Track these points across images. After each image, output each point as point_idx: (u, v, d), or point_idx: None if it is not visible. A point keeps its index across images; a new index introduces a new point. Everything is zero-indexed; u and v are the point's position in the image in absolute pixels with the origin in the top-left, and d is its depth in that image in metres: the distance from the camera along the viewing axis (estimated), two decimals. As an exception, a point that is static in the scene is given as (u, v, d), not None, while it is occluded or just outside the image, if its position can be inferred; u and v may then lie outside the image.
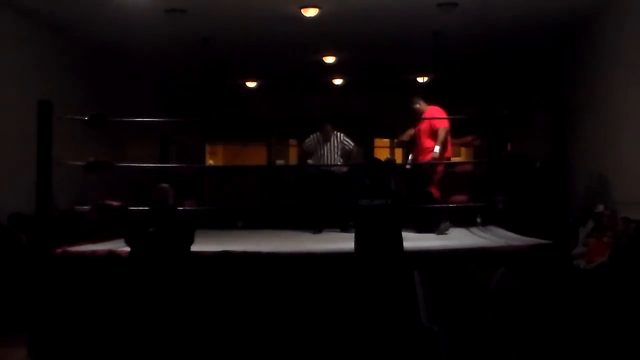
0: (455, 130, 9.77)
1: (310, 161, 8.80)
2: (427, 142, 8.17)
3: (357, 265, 5.68)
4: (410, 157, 8.62)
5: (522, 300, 5.37)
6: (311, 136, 8.71)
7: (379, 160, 6.43)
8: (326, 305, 5.86)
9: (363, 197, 5.73)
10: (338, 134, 8.65)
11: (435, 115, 8.21)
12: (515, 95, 13.24)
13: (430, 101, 8.42)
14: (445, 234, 7.80)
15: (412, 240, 6.59)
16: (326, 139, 8.58)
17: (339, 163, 8.57)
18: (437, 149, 8.01)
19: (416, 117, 8.33)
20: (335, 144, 8.59)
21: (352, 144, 8.70)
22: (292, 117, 14.14)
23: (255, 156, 15.75)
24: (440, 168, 8.15)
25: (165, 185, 5.80)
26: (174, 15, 9.46)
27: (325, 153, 8.56)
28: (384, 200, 5.69)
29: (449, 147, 8.37)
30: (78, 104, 9.57)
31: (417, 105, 8.32)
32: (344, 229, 8.25)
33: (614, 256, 6.80)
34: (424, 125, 8.26)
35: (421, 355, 5.41)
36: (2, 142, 8.68)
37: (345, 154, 8.65)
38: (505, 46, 11.62)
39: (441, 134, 8.07)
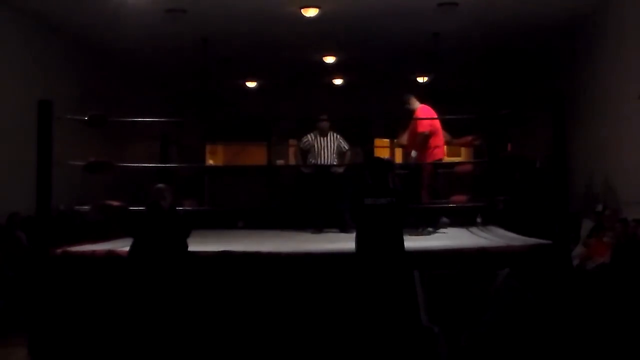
0: (456, 130, 9.79)
1: (310, 160, 8.78)
2: (413, 143, 8.08)
3: (360, 265, 5.67)
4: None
5: (525, 301, 5.36)
6: (307, 135, 8.71)
7: (381, 159, 6.42)
8: (326, 306, 5.86)
9: (367, 196, 5.72)
10: (335, 133, 8.66)
11: (422, 115, 8.03)
12: (515, 95, 13.24)
13: (422, 100, 8.28)
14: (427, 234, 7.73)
15: (412, 240, 6.58)
16: (323, 134, 8.59)
17: (334, 162, 8.57)
18: (413, 153, 7.94)
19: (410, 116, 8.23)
20: (332, 139, 8.59)
21: (347, 146, 8.69)
22: (292, 117, 14.14)
23: (255, 156, 15.74)
24: (425, 172, 7.96)
25: (161, 185, 5.80)
26: (174, 15, 9.47)
27: (322, 147, 8.55)
28: (388, 199, 5.68)
29: (435, 152, 8.03)
30: (78, 104, 9.58)
31: (408, 105, 8.17)
32: (343, 229, 8.26)
33: (615, 257, 6.79)
34: (412, 125, 8.17)
35: (421, 355, 5.40)
36: (2, 142, 8.69)
37: (340, 154, 8.65)
38: (504, 46, 11.63)
39: (419, 139, 7.94)
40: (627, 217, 7.49)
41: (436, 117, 8.11)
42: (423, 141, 7.94)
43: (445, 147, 8.76)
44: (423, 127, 7.95)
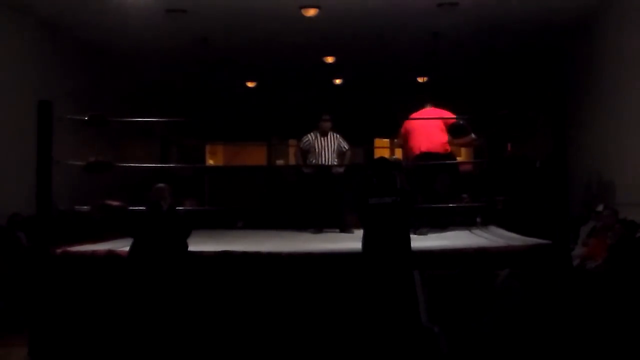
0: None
1: (310, 160, 8.76)
2: None
3: (366, 264, 5.66)
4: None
5: (525, 301, 5.36)
6: (308, 135, 8.69)
7: (385, 159, 6.42)
8: (326, 306, 5.86)
9: (372, 196, 5.72)
10: (335, 133, 8.65)
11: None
12: (515, 95, 13.24)
13: (434, 103, 8.47)
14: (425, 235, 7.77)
15: (412, 240, 6.57)
16: (323, 134, 8.57)
17: (335, 162, 8.56)
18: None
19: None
20: (332, 139, 8.58)
21: (347, 146, 8.68)
22: (292, 117, 14.13)
23: (255, 156, 15.74)
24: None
25: (161, 185, 5.79)
26: (174, 15, 9.47)
27: (322, 148, 8.54)
28: (393, 198, 5.68)
29: (409, 150, 8.28)
30: (78, 104, 9.57)
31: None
32: (343, 229, 8.25)
33: (611, 257, 6.79)
34: None
35: (421, 355, 5.40)
36: (2, 142, 8.68)
37: (340, 154, 8.64)
38: (505, 46, 11.63)
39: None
40: (626, 218, 7.50)
41: (418, 118, 8.28)
42: (400, 140, 8.46)
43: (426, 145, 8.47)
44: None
